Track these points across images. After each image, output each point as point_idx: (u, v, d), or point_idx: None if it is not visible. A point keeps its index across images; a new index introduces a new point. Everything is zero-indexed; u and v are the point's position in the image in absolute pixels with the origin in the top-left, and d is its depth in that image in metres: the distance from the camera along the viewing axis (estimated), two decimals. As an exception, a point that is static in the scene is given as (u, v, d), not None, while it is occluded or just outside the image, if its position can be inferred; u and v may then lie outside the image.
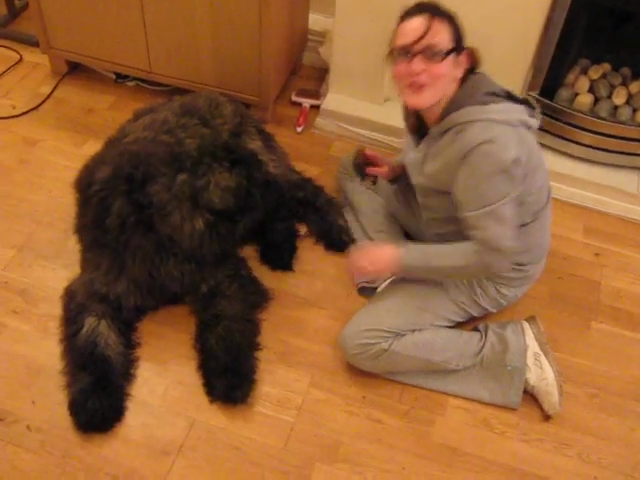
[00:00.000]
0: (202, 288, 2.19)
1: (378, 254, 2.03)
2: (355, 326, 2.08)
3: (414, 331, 2.07)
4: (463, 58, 1.87)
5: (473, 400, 2.11)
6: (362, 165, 2.37)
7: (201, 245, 2.10)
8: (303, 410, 2.06)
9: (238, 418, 2.03)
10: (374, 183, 2.51)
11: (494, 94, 1.87)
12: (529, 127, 1.87)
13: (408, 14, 1.84)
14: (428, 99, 1.87)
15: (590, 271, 2.49)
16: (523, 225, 1.99)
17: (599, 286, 2.45)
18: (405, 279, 2.16)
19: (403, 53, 1.83)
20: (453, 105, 1.87)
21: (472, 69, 1.90)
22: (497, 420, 2.08)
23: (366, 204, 2.47)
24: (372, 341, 2.03)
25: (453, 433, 2.05)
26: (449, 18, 1.83)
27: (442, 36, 1.81)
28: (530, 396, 2.11)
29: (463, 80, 1.89)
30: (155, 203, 2.05)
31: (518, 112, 1.85)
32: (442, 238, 2.09)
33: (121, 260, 2.11)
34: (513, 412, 2.09)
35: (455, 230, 1.99)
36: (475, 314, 2.18)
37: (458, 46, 1.85)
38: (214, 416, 2.03)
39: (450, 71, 1.85)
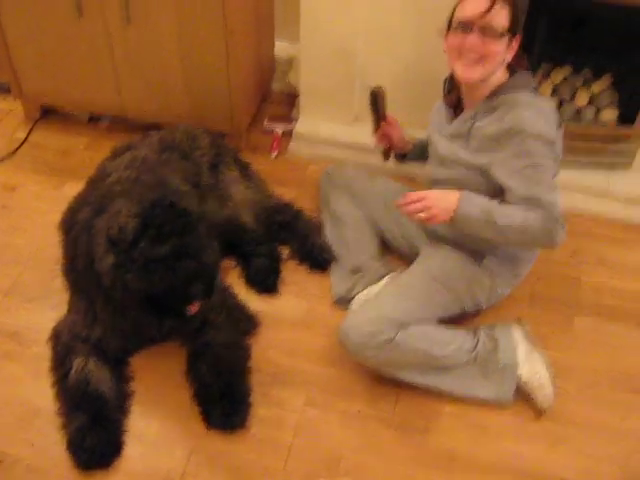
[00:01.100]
0: (191, 325, 2.18)
1: (442, 196, 1.99)
2: (359, 316, 2.10)
3: (417, 323, 2.09)
4: (515, 43, 1.97)
5: (467, 399, 2.15)
6: (380, 103, 2.29)
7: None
8: (300, 429, 2.09)
9: (237, 442, 2.05)
10: (387, 158, 2.46)
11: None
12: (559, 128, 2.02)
13: None
14: (478, 74, 1.97)
15: (568, 269, 2.55)
16: None
17: (579, 282, 2.51)
18: (404, 273, 2.26)
19: (462, 26, 1.93)
20: (506, 87, 1.99)
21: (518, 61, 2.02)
22: (491, 422, 2.11)
23: (348, 213, 2.52)
24: (377, 329, 2.02)
25: (449, 439, 2.07)
26: (510, 3, 1.92)
27: (502, 16, 1.91)
28: (520, 395, 2.14)
29: (511, 70, 2.02)
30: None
31: (556, 114, 2.01)
32: (435, 235, 2.20)
33: (95, 306, 2.12)
34: (506, 413, 2.13)
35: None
36: (467, 308, 2.24)
37: (514, 29, 1.94)
38: (213, 442, 2.05)
39: (503, 52, 1.95)
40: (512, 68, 2.03)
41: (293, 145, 2.96)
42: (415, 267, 2.27)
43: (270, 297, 2.44)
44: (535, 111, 1.93)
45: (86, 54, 2.78)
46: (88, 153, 2.96)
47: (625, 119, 2.65)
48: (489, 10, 1.89)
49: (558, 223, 1.91)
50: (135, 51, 2.71)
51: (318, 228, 2.58)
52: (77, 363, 2.10)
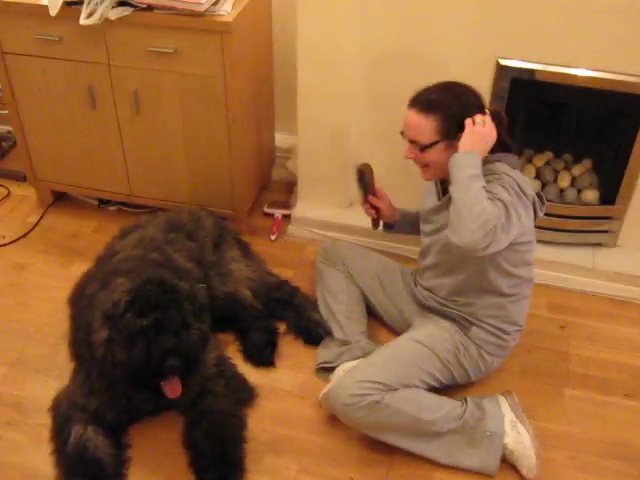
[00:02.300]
0: (188, 396, 2.23)
1: (479, 141, 2.05)
2: (348, 379, 2.16)
3: (405, 387, 2.15)
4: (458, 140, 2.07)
5: (454, 468, 2.17)
6: (367, 178, 2.42)
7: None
8: (293, 496, 2.12)
9: (231, 509, 2.08)
10: (375, 227, 2.56)
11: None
12: (535, 213, 2.14)
13: (408, 104, 2.13)
14: (430, 176, 2.21)
15: (557, 343, 2.62)
16: (510, 295, 2.22)
17: (568, 356, 2.57)
18: (395, 339, 2.36)
19: (402, 136, 2.14)
20: (490, 159, 2.10)
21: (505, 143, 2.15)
22: (482, 491, 2.14)
23: (341, 289, 2.61)
24: (364, 392, 2.09)
25: (441, 506, 2.10)
26: (441, 110, 2.06)
27: (425, 131, 2.09)
28: (509, 465, 2.17)
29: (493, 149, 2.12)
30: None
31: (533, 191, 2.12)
32: (424, 306, 2.32)
33: (92, 378, 2.19)
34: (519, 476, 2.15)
35: (449, 283, 2.23)
36: (457, 377, 2.29)
37: (447, 135, 2.08)
38: (207, 508, 2.08)
39: (442, 155, 2.10)
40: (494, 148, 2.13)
41: (291, 228, 3.10)
42: (405, 335, 2.35)
43: (267, 369, 2.51)
44: (513, 172, 2.07)
45: (97, 143, 2.97)
46: (96, 235, 3.10)
47: (606, 200, 2.79)
48: (412, 127, 2.11)
49: (497, 230, 1.91)
50: (143, 140, 2.90)
51: (313, 304, 2.67)
52: (75, 431, 2.14)
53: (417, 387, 2.19)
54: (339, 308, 2.58)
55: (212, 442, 2.14)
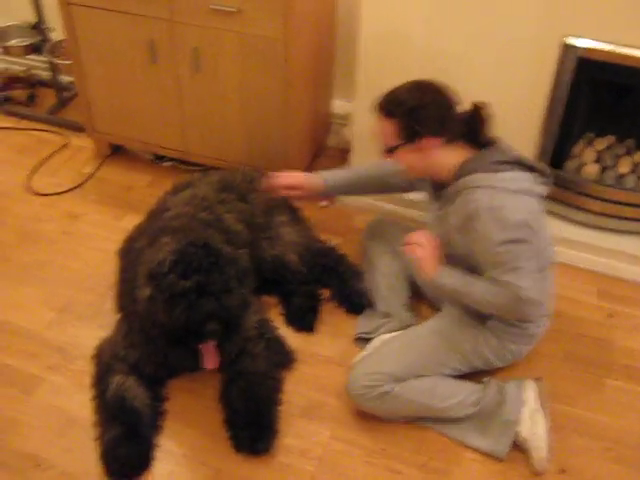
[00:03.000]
0: (227, 356, 2.24)
1: (429, 256, 2.14)
2: (359, 369, 2.19)
3: (417, 377, 2.16)
4: (425, 143, 2.01)
5: (466, 444, 2.19)
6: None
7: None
8: (324, 460, 2.14)
9: (261, 467, 2.11)
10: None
11: (506, 162, 2.02)
12: (535, 195, 2.02)
13: (374, 108, 2.09)
14: (412, 175, 2.20)
15: (604, 331, 2.57)
16: None
17: (612, 346, 2.51)
18: (414, 327, 2.33)
19: None
20: (463, 171, 2.03)
21: (484, 140, 2.06)
22: (514, 472, 2.12)
23: (384, 263, 2.59)
24: (374, 383, 2.13)
25: (470, 484, 2.10)
26: (399, 113, 2.00)
27: (388, 134, 2.06)
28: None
29: (480, 146, 2.06)
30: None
31: (525, 181, 2.00)
32: None
33: (134, 331, 2.23)
34: (528, 465, 2.13)
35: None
36: (480, 365, 2.25)
37: (408, 139, 2.02)
38: (239, 465, 2.12)
39: (412, 158, 2.07)
40: (478, 144, 2.07)
41: (342, 196, 3.08)
42: (426, 324, 2.31)
43: (307, 335, 2.53)
44: (489, 193, 1.95)
45: (156, 98, 2.99)
46: (150, 190, 3.14)
47: (666, 189, 2.70)
48: (378, 131, 2.08)
49: (522, 302, 1.97)
50: (201, 98, 2.91)
51: (358, 274, 2.66)
52: (116, 380, 2.20)
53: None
54: (382, 281, 2.57)
55: (247, 401, 2.18)
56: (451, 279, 2.11)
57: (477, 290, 2.05)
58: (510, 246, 1.94)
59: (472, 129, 2.06)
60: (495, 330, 2.20)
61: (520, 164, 2.04)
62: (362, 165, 2.57)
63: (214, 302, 2.00)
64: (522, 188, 1.98)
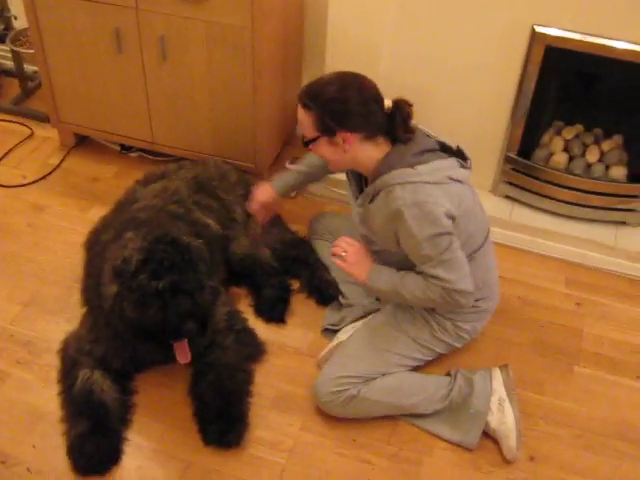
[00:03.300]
0: (198, 348, 2.22)
1: (360, 260, 2.16)
2: (324, 375, 2.18)
3: (383, 375, 2.16)
4: (343, 137, 1.98)
5: (436, 436, 2.19)
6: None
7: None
8: (294, 452, 2.13)
9: (232, 460, 2.10)
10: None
11: (424, 152, 1.99)
12: (456, 181, 1.99)
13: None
14: (333, 169, 2.19)
15: (572, 319, 2.59)
16: None
17: (581, 333, 2.54)
18: (367, 323, 2.31)
19: None
20: (382, 167, 2.00)
21: (408, 129, 2.03)
22: (483, 460, 2.13)
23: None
24: (341, 388, 2.12)
25: (441, 474, 2.10)
26: (316, 106, 1.98)
27: (305, 126, 2.04)
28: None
29: (396, 141, 2.03)
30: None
31: (446, 169, 1.98)
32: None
33: (99, 325, 2.20)
34: (498, 453, 2.14)
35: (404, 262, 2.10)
36: (440, 350, 2.26)
37: (325, 132, 2.00)
38: (209, 458, 2.10)
39: (330, 151, 2.04)
40: (395, 138, 2.04)
41: (312, 186, 3.06)
42: (378, 319, 2.30)
43: (277, 326, 2.51)
44: (410, 189, 1.93)
45: (122, 88, 2.94)
46: (116, 181, 3.09)
47: (634, 178, 2.73)
48: (299, 123, 2.07)
49: (453, 294, 1.99)
50: (168, 87, 2.87)
51: (327, 265, 2.65)
52: (82, 374, 2.17)
53: (398, 372, 2.20)
54: (335, 275, 2.57)
55: (217, 394, 2.16)
56: (381, 282, 2.11)
57: (407, 289, 2.05)
58: (436, 240, 1.93)
59: (392, 125, 2.02)
60: (446, 313, 2.20)
61: (438, 151, 2.03)
62: (305, 159, 2.55)
63: (189, 301, 1.98)
64: (441, 178, 1.96)
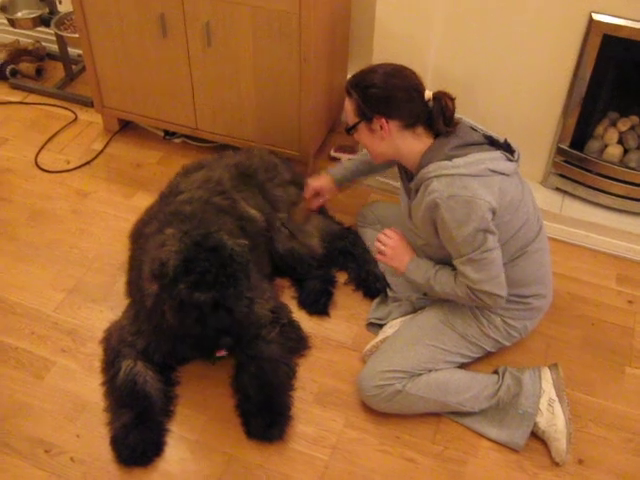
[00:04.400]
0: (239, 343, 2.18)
1: (399, 253, 2.20)
2: (370, 369, 2.15)
3: (430, 371, 2.12)
4: (380, 124, 2.00)
5: (482, 435, 2.15)
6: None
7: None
8: (337, 449, 2.10)
9: (274, 455, 2.08)
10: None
11: (468, 145, 1.97)
12: (498, 173, 1.95)
13: None
14: (378, 159, 2.16)
15: (623, 318, 2.51)
16: (511, 260, 2.07)
17: (633, 332, 2.46)
18: (414, 318, 2.28)
19: None
20: (422, 162, 2.01)
21: (448, 122, 2.01)
22: (530, 462, 2.08)
23: None
24: (386, 382, 2.09)
25: (486, 474, 2.06)
26: (356, 92, 2.02)
27: (349, 113, 2.09)
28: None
29: (438, 134, 2.02)
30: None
31: (485, 161, 1.93)
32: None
33: (141, 319, 2.19)
34: (546, 455, 2.09)
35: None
36: (488, 348, 2.22)
37: (363, 117, 2.03)
38: (251, 452, 2.09)
39: (370, 138, 2.07)
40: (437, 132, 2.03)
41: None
42: (427, 314, 2.26)
43: (321, 319, 2.48)
44: (445, 182, 1.91)
45: (166, 73, 2.92)
46: (160, 167, 3.08)
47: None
48: (344, 110, 2.13)
49: (476, 294, 2.00)
50: (212, 73, 2.83)
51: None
52: (126, 365, 2.17)
53: (445, 368, 2.15)
54: (384, 267, 2.52)
55: (260, 387, 2.14)
56: (417, 275, 2.15)
57: (439, 282, 2.08)
58: (469, 236, 1.91)
59: (431, 117, 2.01)
60: (495, 309, 2.15)
61: (485, 144, 2.00)
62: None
63: (228, 317, 1.96)
64: (480, 170, 1.92)
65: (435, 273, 2.10)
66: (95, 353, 2.30)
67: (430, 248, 2.12)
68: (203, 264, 1.92)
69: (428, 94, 2.01)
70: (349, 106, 2.06)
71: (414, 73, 2.03)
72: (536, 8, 2.41)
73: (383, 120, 1.99)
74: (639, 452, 2.12)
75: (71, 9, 2.99)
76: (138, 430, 2.06)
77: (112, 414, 2.12)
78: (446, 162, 1.93)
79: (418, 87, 2.01)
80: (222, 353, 2.05)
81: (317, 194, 2.57)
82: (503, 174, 1.95)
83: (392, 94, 1.98)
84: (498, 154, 1.98)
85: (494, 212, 1.91)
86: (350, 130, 2.10)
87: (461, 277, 2.00)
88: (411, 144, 2.02)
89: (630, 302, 2.56)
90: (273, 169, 2.63)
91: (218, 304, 1.93)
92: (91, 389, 2.22)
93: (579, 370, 2.32)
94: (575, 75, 2.51)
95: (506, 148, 2.03)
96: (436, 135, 2.03)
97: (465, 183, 1.89)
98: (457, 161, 1.93)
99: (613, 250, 2.72)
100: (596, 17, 2.35)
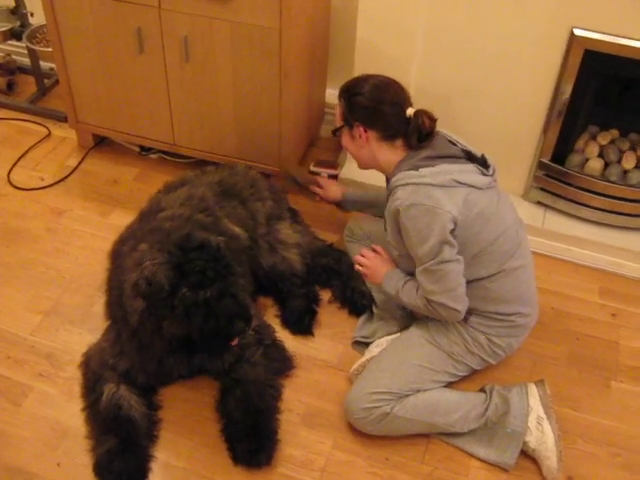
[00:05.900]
0: (225, 362, 2.18)
1: (378, 270, 2.25)
2: (357, 391, 2.12)
3: (417, 392, 2.10)
4: (359, 132, 2.08)
5: (472, 454, 2.13)
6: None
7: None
8: (326, 472, 2.07)
9: (262, 480, 2.04)
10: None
11: (441, 157, 2.00)
12: (466, 185, 1.96)
13: None
14: (359, 165, 2.22)
15: (608, 332, 2.51)
16: (489, 276, 2.06)
17: (617, 346, 2.47)
18: (400, 337, 2.27)
19: None
20: (395, 171, 2.06)
21: (428, 134, 2.04)
22: (520, 480, 2.08)
23: None
24: (374, 405, 2.06)
25: (476, 494, 2.04)
26: (344, 98, 2.12)
27: (337, 115, 2.17)
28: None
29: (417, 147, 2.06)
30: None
31: (453, 172, 1.95)
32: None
33: (124, 339, 2.13)
34: (536, 473, 2.08)
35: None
36: (474, 366, 2.20)
37: (346, 123, 2.12)
38: (238, 477, 2.04)
39: (351, 144, 2.15)
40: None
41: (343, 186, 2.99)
42: (411, 333, 2.24)
43: (306, 338, 2.44)
44: (409, 190, 1.95)
45: (143, 89, 2.86)
46: (137, 184, 3.03)
47: (672, 186, 2.65)
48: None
49: (437, 305, 2.01)
50: (190, 88, 2.79)
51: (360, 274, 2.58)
52: (108, 389, 2.11)
53: (432, 388, 2.14)
54: (370, 284, 2.50)
55: (246, 411, 2.10)
56: (389, 286, 2.19)
57: (405, 293, 2.12)
58: (426, 245, 1.93)
59: (408, 134, 2.04)
60: (479, 326, 2.13)
61: (458, 157, 2.03)
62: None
63: (234, 302, 1.94)
64: (446, 181, 1.94)
65: (403, 284, 2.13)
66: (74, 377, 2.24)
67: (403, 259, 2.13)
68: (198, 263, 1.90)
69: (410, 111, 2.04)
70: (338, 109, 2.15)
71: (403, 89, 2.08)
72: (517, 24, 2.41)
73: (362, 129, 2.07)
74: (627, 467, 2.12)
75: (43, 22, 2.93)
76: (123, 456, 2.00)
77: (95, 440, 2.06)
78: (412, 171, 1.97)
79: (400, 101, 2.05)
80: (235, 342, 2.02)
81: (323, 187, 2.68)
82: (473, 187, 1.97)
83: (375, 106, 2.05)
84: (471, 167, 2.00)
85: (456, 223, 1.92)
86: (335, 133, 2.19)
87: (420, 287, 2.03)
88: (387, 155, 2.08)
89: (613, 315, 2.57)
90: (255, 185, 2.59)
91: (222, 294, 1.91)
92: (71, 415, 2.16)
93: (565, 386, 2.32)
94: (556, 90, 2.52)
95: (482, 163, 2.05)
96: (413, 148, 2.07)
97: (429, 192, 1.92)
98: (423, 171, 1.96)
99: (595, 263, 2.73)
100: (577, 32, 2.37)
